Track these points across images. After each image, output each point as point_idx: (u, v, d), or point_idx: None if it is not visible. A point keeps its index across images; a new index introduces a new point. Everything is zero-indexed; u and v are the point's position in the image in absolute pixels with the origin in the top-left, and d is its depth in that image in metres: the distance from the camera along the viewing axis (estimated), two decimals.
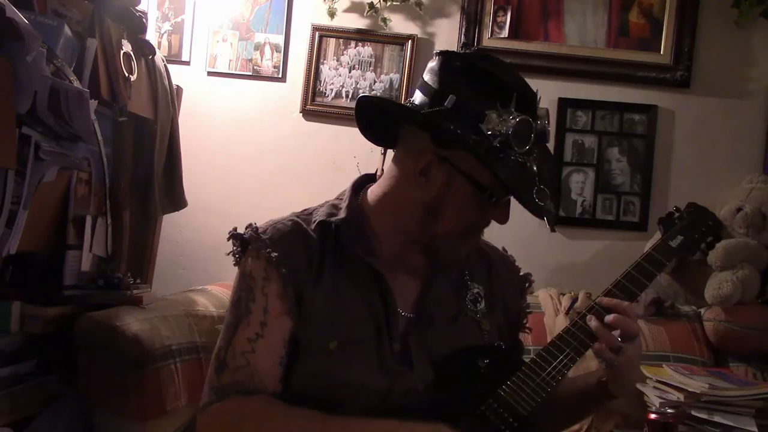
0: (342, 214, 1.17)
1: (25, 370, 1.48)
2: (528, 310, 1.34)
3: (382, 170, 1.23)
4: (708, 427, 1.67)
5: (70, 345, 1.51)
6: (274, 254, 1.11)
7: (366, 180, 1.26)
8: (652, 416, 1.32)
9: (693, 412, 1.69)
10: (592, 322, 1.10)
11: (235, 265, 1.18)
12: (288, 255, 1.12)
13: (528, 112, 1.07)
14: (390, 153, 1.24)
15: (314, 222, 1.17)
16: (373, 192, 1.21)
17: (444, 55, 1.13)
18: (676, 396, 1.74)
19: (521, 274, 1.33)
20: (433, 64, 1.13)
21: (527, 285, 1.34)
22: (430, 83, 1.11)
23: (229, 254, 1.19)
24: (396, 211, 1.16)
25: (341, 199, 1.22)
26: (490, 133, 1.04)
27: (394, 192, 1.16)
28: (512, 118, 1.04)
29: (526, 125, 1.05)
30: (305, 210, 1.22)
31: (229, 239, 1.19)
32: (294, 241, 1.14)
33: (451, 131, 1.05)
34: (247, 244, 1.16)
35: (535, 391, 1.08)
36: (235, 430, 1.05)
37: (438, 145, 1.09)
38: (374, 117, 1.21)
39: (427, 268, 1.20)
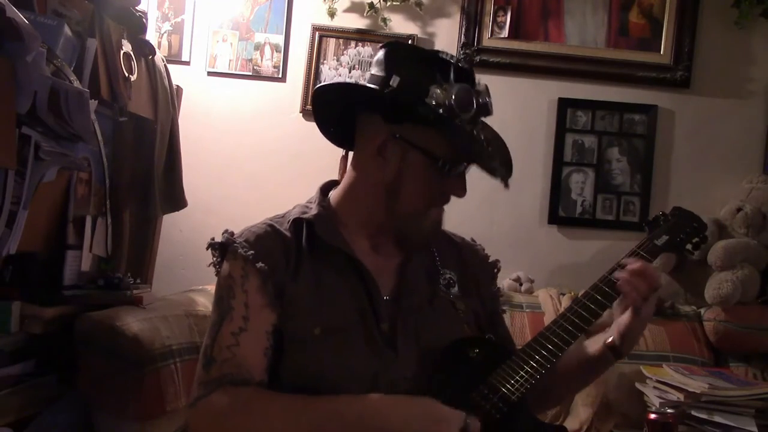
0: (314, 211, 1.22)
1: (25, 370, 1.48)
2: (500, 294, 1.40)
3: (343, 174, 1.30)
4: (708, 427, 1.68)
5: (70, 345, 1.51)
6: (251, 253, 1.15)
7: (332, 184, 1.32)
8: (652, 416, 1.32)
9: (693, 412, 1.69)
10: (621, 273, 1.18)
11: (216, 275, 1.22)
12: (264, 253, 1.16)
13: (467, 82, 1.15)
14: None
15: (288, 222, 1.22)
16: (338, 190, 1.27)
17: (387, 45, 1.21)
18: (676, 396, 1.75)
19: (490, 261, 1.39)
20: (378, 56, 1.20)
21: (496, 271, 1.39)
22: (376, 73, 1.18)
23: (209, 265, 1.24)
24: (361, 200, 1.22)
25: (311, 201, 1.28)
26: (435, 104, 1.11)
27: (357, 182, 1.23)
28: (453, 88, 1.12)
29: (466, 92, 1.13)
30: (277, 215, 1.27)
31: (208, 248, 1.23)
32: (269, 240, 1.19)
33: (399, 103, 1.13)
34: (225, 249, 1.20)
35: (525, 378, 1.11)
36: (226, 419, 1.07)
37: (390, 122, 1.16)
38: (334, 115, 1.26)
39: (400, 254, 1.24)
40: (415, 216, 1.19)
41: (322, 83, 1.25)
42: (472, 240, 1.41)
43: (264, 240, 1.19)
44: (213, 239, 1.23)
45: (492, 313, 1.35)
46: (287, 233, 1.20)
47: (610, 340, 1.21)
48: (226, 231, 1.22)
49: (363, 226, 1.23)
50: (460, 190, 1.20)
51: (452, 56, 1.18)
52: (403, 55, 1.19)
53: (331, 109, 1.26)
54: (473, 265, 1.34)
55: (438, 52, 1.20)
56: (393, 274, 1.23)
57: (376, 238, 1.23)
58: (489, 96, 1.18)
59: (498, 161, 1.18)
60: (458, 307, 1.24)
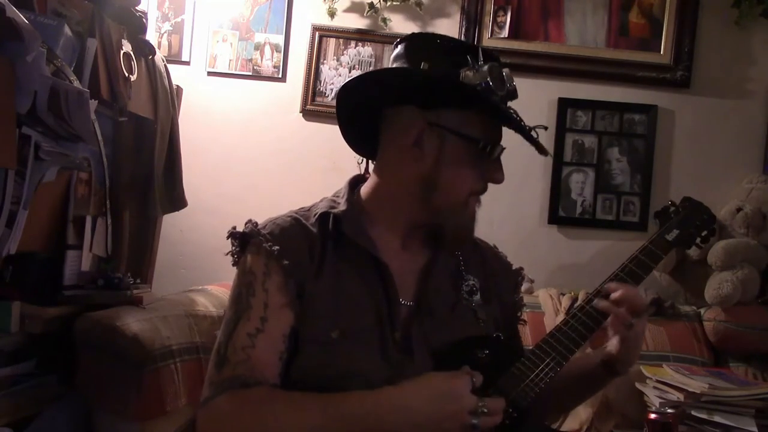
0: (342, 207, 1.19)
1: (25, 370, 1.48)
2: (523, 303, 1.38)
3: (369, 173, 1.26)
4: (708, 427, 1.68)
5: (70, 345, 1.51)
6: (275, 248, 1.12)
7: (360, 179, 1.28)
8: (652, 416, 1.32)
9: (693, 412, 1.69)
10: (602, 302, 1.16)
11: (233, 264, 1.19)
12: (289, 248, 1.13)
13: (494, 61, 1.14)
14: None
15: (314, 216, 1.18)
16: (367, 186, 1.23)
17: (405, 39, 1.18)
18: (676, 396, 1.74)
19: (514, 269, 1.37)
20: (397, 50, 1.17)
21: (520, 279, 1.37)
22: (400, 66, 1.16)
23: (227, 254, 1.19)
24: (393, 198, 1.18)
25: (339, 195, 1.24)
26: (472, 86, 1.10)
27: (389, 179, 1.19)
28: (486, 67, 1.11)
29: (497, 69, 1.12)
30: (303, 207, 1.23)
31: (228, 237, 1.19)
32: (294, 235, 1.15)
33: (433, 87, 1.11)
34: (246, 240, 1.17)
35: (534, 382, 1.10)
36: (236, 418, 1.05)
37: (425, 109, 1.13)
38: (355, 115, 1.23)
39: (427, 256, 1.22)
40: (454, 207, 1.16)
41: (350, 78, 1.20)
42: (495, 247, 1.39)
43: (289, 234, 1.15)
44: (235, 228, 1.19)
45: (510, 322, 1.33)
46: (312, 228, 1.16)
47: (606, 358, 1.21)
48: (249, 221, 1.18)
49: (393, 224, 1.19)
50: (499, 175, 1.17)
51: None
52: (427, 44, 1.16)
53: (354, 109, 1.22)
54: (496, 271, 1.32)
55: (460, 40, 1.18)
56: (417, 278, 1.20)
57: (405, 237, 1.20)
58: (513, 81, 1.17)
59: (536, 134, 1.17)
60: (479, 316, 1.22)
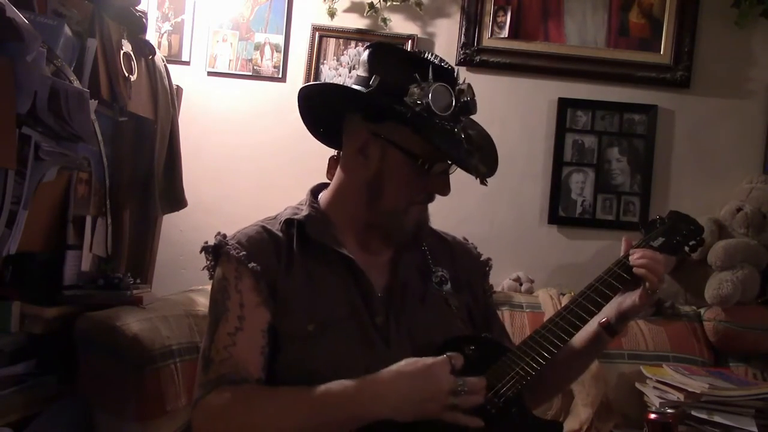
0: (305, 212, 1.25)
1: (25, 370, 1.48)
2: (493, 291, 1.42)
3: (332, 175, 1.32)
4: (708, 427, 1.68)
5: (70, 345, 1.51)
6: (243, 253, 1.18)
7: (322, 187, 1.34)
8: (652, 416, 1.33)
9: (693, 412, 1.70)
10: (635, 255, 1.21)
11: (210, 278, 1.24)
12: (256, 253, 1.18)
13: (447, 81, 1.16)
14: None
15: (279, 223, 1.24)
16: (326, 191, 1.30)
17: (371, 46, 1.22)
18: (676, 396, 1.75)
19: (482, 259, 1.41)
20: (362, 56, 1.22)
21: (488, 268, 1.41)
22: (361, 74, 1.20)
23: (204, 269, 1.25)
24: (347, 199, 1.24)
25: (301, 203, 1.30)
26: (412, 103, 1.12)
27: (343, 181, 1.25)
28: (430, 87, 1.13)
29: (443, 90, 1.14)
30: (268, 217, 1.29)
31: (201, 252, 1.25)
32: (261, 240, 1.21)
33: (378, 102, 1.14)
34: (218, 251, 1.22)
35: (521, 375, 1.12)
36: (226, 415, 1.08)
37: (370, 121, 1.18)
38: (322, 115, 1.28)
39: (390, 252, 1.27)
40: (396, 214, 1.20)
41: (306, 84, 1.27)
42: (464, 239, 1.43)
43: (256, 240, 1.21)
44: (206, 243, 1.25)
45: (486, 311, 1.36)
46: (279, 233, 1.22)
47: (604, 320, 1.24)
48: (218, 233, 1.24)
49: (351, 224, 1.24)
50: (443, 189, 1.21)
51: (435, 56, 1.19)
52: (386, 55, 1.21)
53: (318, 109, 1.28)
54: (465, 262, 1.36)
55: (421, 52, 1.22)
56: (384, 272, 1.25)
57: (365, 236, 1.25)
58: (472, 95, 1.18)
59: (477, 158, 1.18)
60: (451, 303, 1.26)
